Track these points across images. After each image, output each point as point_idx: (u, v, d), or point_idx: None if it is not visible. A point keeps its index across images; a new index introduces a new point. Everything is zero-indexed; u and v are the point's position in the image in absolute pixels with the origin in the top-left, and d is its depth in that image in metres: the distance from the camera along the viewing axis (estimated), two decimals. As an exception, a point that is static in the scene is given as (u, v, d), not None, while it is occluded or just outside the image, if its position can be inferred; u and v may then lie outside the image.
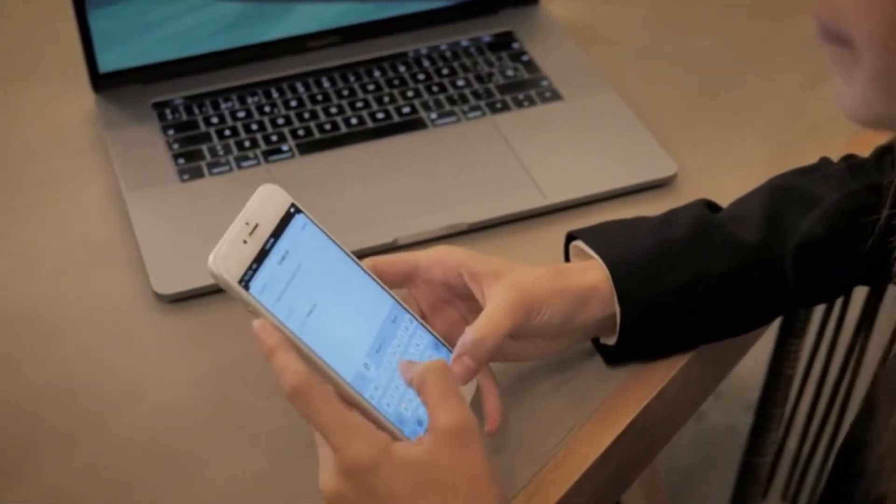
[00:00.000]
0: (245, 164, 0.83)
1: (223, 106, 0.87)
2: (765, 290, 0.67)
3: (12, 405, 0.68)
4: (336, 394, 0.55)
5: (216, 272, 0.53)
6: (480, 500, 0.54)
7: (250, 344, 0.69)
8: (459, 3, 0.94)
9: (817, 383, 0.98)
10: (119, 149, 0.84)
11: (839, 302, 0.93)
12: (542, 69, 0.90)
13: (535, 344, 0.65)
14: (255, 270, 0.54)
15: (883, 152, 0.71)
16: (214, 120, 0.86)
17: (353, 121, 0.86)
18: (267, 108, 0.87)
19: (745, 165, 0.83)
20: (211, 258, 0.53)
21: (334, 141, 0.84)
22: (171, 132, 0.85)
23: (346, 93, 0.88)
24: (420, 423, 0.57)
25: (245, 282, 0.54)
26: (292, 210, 0.57)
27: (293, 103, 0.87)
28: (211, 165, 0.82)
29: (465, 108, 0.87)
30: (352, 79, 0.89)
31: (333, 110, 0.87)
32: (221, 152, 0.83)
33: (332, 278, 0.58)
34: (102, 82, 0.87)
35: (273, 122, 0.86)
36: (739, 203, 0.69)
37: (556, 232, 0.71)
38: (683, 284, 0.64)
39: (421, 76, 0.90)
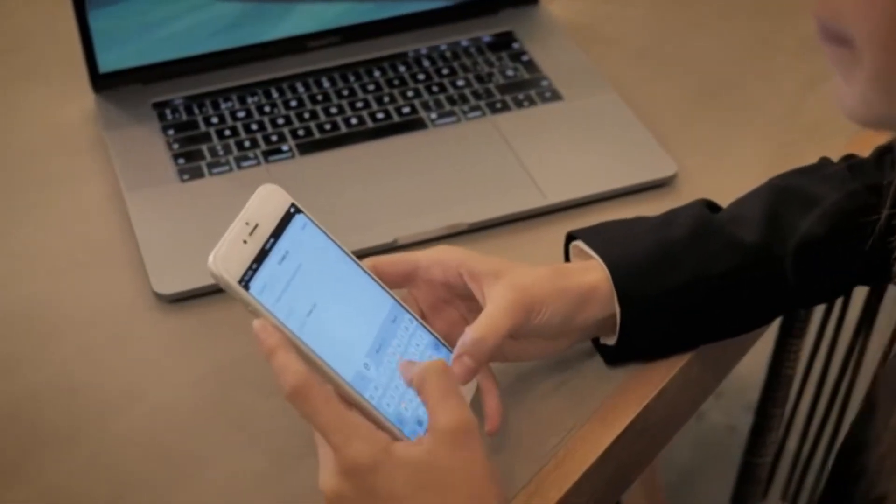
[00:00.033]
0: (245, 164, 0.83)
1: (223, 106, 0.87)
2: (765, 290, 0.67)
3: (12, 405, 0.68)
4: (336, 394, 0.55)
5: (216, 272, 0.53)
6: (480, 500, 0.54)
7: (250, 344, 0.69)
8: (459, 3, 0.94)
9: (817, 383, 0.98)
10: (119, 149, 0.84)
11: (839, 302, 0.93)
12: (542, 69, 0.90)
13: (536, 344, 0.65)
14: (255, 270, 0.54)
15: (883, 152, 0.71)
16: (214, 120, 0.86)
17: (353, 121, 0.86)
18: (267, 108, 0.87)
19: (745, 165, 0.83)
20: (211, 258, 0.53)
21: (334, 141, 0.84)
22: (171, 132, 0.85)
23: (346, 93, 0.88)
24: (420, 423, 0.57)
25: (245, 282, 0.54)
26: (292, 210, 0.57)
27: (293, 103, 0.87)
28: (211, 165, 0.82)
29: (465, 108, 0.87)
30: (352, 79, 0.89)
31: (333, 110, 0.87)
32: (221, 152, 0.83)
33: (333, 278, 0.58)
34: (102, 82, 0.87)
35: (273, 122, 0.86)
36: (739, 203, 0.69)
37: (556, 232, 0.71)
38: (683, 284, 0.64)
39: (421, 76, 0.90)
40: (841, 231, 0.66)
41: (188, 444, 0.65)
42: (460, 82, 0.89)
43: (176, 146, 0.84)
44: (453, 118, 0.86)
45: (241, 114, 0.86)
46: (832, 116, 0.85)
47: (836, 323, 0.94)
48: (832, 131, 0.84)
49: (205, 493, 0.63)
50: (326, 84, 0.89)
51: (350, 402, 0.56)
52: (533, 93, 0.88)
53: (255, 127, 0.85)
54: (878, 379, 0.66)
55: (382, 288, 0.60)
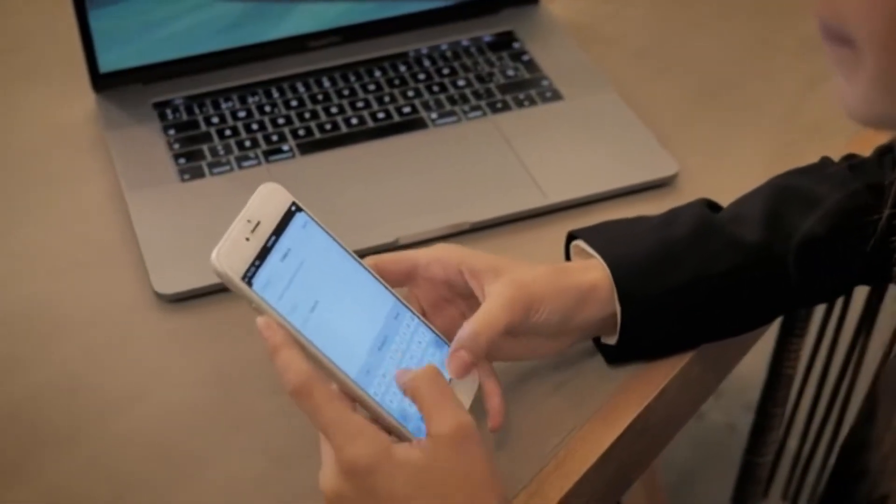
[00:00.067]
0: (246, 163, 0.82)
1: (224, 106, 0.87)
2: (766, 290, 0.67)
3: (12, 405, 0.68)
4: (340, 391, 0.55)
5: (219, 269, 0.53)
6: (480, 501, 0.54)
7: (251, 344, 0.69)
8: (460, 3, 0.94)
9: (818, 383, 0.98)
10: (120, 149, 0.84)
11: (840, 301, 0.93)
12: (542, 69, 0.90)
13: (536, 343, 0.65)
14: (257, 267, 0.54)
15: (883, 152, 0.71)
16: (215, 120, 0.86)
17: (354, 121, 0.86)
18: (267, 108, 0.87)
19: (746, 165, 0.83)
20: (214, 255, 0.53)
21: (335, 141, 0.84)
22: (171, 132, 0.85)
23: (346, 92, 0.88)
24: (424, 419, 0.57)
25: (248, 278, 0.54)
26: (293, 208, 0.57)
27: (294, 103, 0.87)
28: (212, 165, 0.82)
29: (466, 107, 0.87)
30: (352, 78, 0.89)
31: (334, 110, 0.87)
32: (222, 152, 0.83)
33: (334, 276, 0.58)
34: (103, 82, 0.87)
35: (274, 122, 0.86)
36: (740, 202, 0.69)
37: (556, 232, 0.71)
38: (684, 284, 0.64)
39: (421, 76, 0.90)
40: (842, 230, 0.66)
41: (189, 445, 0.65)
42: (461, 82, 0.89)
43: (177, 146, 0.84)
44: (454, 118, 0.86)
45: (242, 113, 0.86)
46: (832, 116, 0.85)
47: (837, 322, 0.94)
48: (832, 131, 0.84)
49: (205, 494, 0.63)
50: (327, 84, 0.89)
51: (354, 398, 0.56)
52: (533, 92, 0.88)
53: (255, 127, 0.85)
54: (879, 379, 0.66)
55: (384, 286, 0.60)
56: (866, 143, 0.74)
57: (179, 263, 0.74)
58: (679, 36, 0.96)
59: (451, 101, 0.87)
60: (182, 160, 0.83)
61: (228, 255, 0.53)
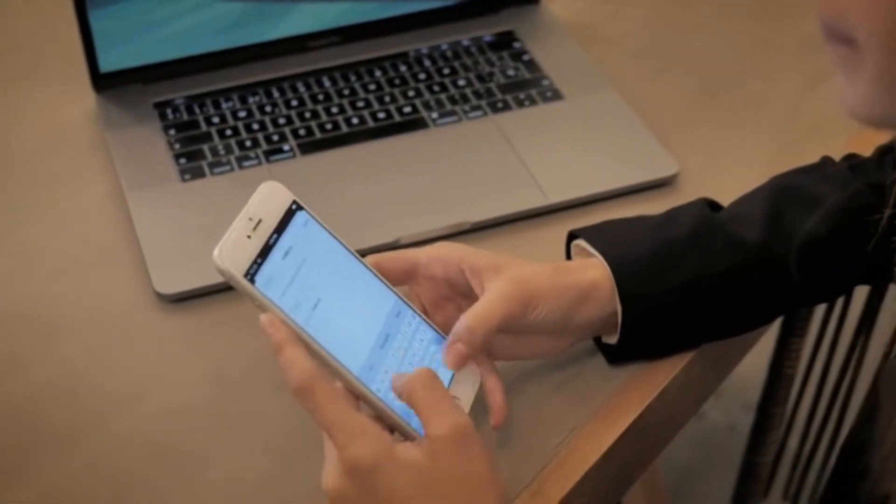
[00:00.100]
0: (246, 163, 0.82)
1: (224, 106, 0.87)
2: (766, 290, 0.67)
3: (13, 405, 0.68)
4: (343, 388, 0.56)
5: (222, 266, 0.53)
6: (481, 500, 0.54)
7: (252, 344, 0.69)
8: (460, 3, 0.94)
9: (818, 382, 0.98)
10: (120, 149, 0.84)
11: (840, 301, 0.93)
12: (543, 69, 0.90)
13: (537, 342, 0.65)
14: (259, 265, 0.54)
15: (884, 152, 0.72)
16: (215, 120, 0.86)
17: (355, 120, 0.86)
18: (268, 108, 0.87)
19: (747, 165, 0.83)
20: (216, 252, 0.53)
21: (335, 140, 0.84)
22: (172, 132, 0.85)
23: (346, 92, 0.88)
24: None
25: (251, 276, 0.54)
26: (294, 207, 0.57)
27: (294, 103, 0.87)
28: (212, 165, 0.82)
29: (467, 107, 0.87)
30: (353, 78, 0.89)
31: (334, 110, 0.87)
32: (223, 152, 0.83)
33: (336, 274, 0.58)
34: (103, 82, 0.87)
35: (274, 122, 0.86)
36: (741, 202, 0.70)
37: (557, 231, 0.71)
38: (685, 283, 0.64)
39: (422, 76, 0.90)
40: (843, 230, 0.66)
41: (189, 445, 0.65)
42: (461, 82, 0.89)
43: (177, 146, 0.84)
44: (454, 118, 0.86)
45: (243, 113, 0.86)
46: (832, 116, 0.85)
47: (838, 322, 0.94)
48: (832, 131, 0.84)
49: (206, 494, 0.63)
50: (327, 84, 0.89)
51: (357, 395, 0.56)
52: (534, 92, 0.88)
53: (256, 126, 0.85)
54: (880, 379, 0.66)
55: (385, 284, 0.60)
56: (866, 143, 0.74)
57: (180, 263, 0.74)
58: (679, 36, 0.96)
59: (452, 100, 0.87)
60: (183, 160, 0.83)
61: (231, 253, 0.54)
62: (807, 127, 0.86)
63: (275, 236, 0.56)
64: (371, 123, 0.86)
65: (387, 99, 0.88)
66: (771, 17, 0.97)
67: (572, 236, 0.68)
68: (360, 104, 0.87)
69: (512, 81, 0.89)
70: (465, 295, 0.64)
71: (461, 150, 0.84)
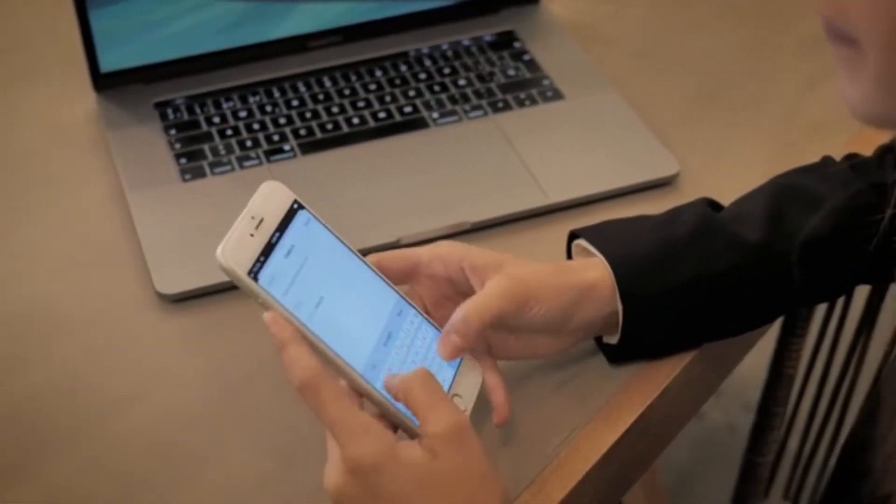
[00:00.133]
0: (247, 163, 0.82)
1: (225, 105, 0.87)
2: (767, 289, 0.67)
3: (13, 405, 0.68)
4: (347, 387, 0.56)
5: (225, 264, 0.53)
6: (482, 497, 0.54)
7: (253, 344, 0.69)
8: (460, 3, 0.94)
9: (819, 382, 0.98)
10: (121, 148, 0.84)
11: (841, 301, 0.93)
12: (543, 68, 0.90)
13: (538, 341, 0.65)
14: (262, 263, 0.54)
15: (885, 151, 0.72)
16: (216, 119, 0.86)
17: (355, 120, 0.86)
18: (268, 108, 0.87)
19: (747, 164, 0.83)
20: (219, 250, 0.53)
21: (336, 140, 0.84)
22: (172, 132, 0.85)
23: (347, 92, 0.88)
24: None
25: (254, 273, 0.54)
26: (295, 206, 0.58)
27: (295, 103, 0.87)
28: (213, 165, 0.82)
29: (467, 107, 0.87)
30: (353, 78, 0.89)
31: (335, 110, 0.87)
32: (223, 152, 0.83)
33: (338, 272, 0.58)
34: (104, 82, 0.87)
35: (275, 122, 0.86)
36: (742, 201, 0.70)
37: (558, 231, 0.71)
38: (686, 282, 0.64)
39: (422, 75, 0.90)
40: (844, 230, 0.66)
41: (190, 445, 0.65)
42: (462, 81, 0.89)
43: (178, 146, 0.84)
44: (455, 117, 0.86)
45: (243, 113, 0.86)
46: (833, 116, 0.85)
47: (838, 322, 0.94)
48: (832, 130, 0.84)
49: (207, 494, 0.63)
50: (328, 83, 0.89)
51: (361, 393, 0.56)
52: (534, 92, 0.88)
53: (256, 126, 0.85)
54: (882, 378, 0.66)
55: (386, 283, 0.61)
56: (867, 143, 0.74)
57: (181, 263, 0.74)
58: (679, 36, 0.96)
59: (452, 100, 0.87)
60: (183, 160, 0.83)
61: (234, 251, 0.54)
62: (807, 126, 0.86)
63: (277, 235, 0.56)
64: (371, 123, 0.86)
65: (387, 99, 0.88)
66: (771, 17, 0.97)
67: (573, 236, 0.68)
68: (361, 104, 0.87)
69: (512, 81, 0.89)
70: (465, 294, 0.64)
71: (462, 149, 0.84)
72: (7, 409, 0.68)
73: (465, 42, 0.93)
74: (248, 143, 0.84)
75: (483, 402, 0.61)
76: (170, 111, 0.87)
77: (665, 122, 0.86)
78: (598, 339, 0.68)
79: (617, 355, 0.67)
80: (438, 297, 0.64)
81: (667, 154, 0.82)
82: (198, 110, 0.87)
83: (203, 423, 0.66)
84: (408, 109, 0.87)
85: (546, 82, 0.89)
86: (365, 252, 0.61)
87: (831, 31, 0.45)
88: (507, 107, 0.87)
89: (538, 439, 0.64)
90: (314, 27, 0.91)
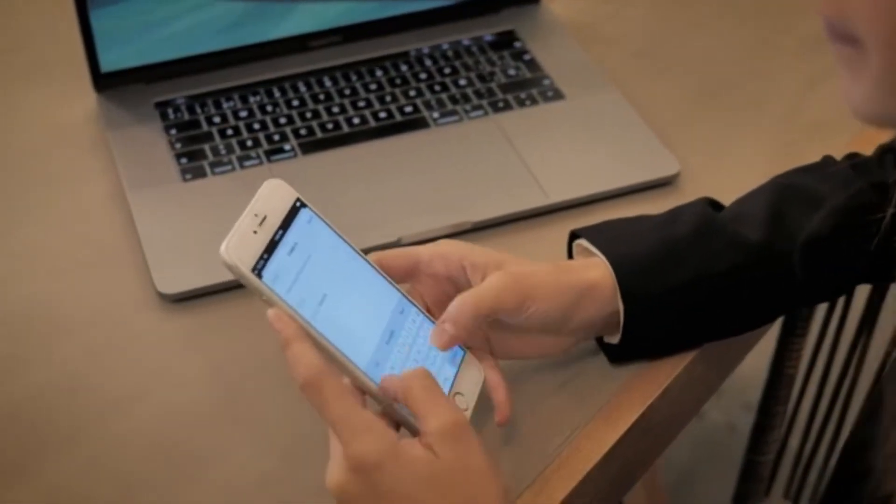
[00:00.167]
0: (247, 163, 0.82)
1: (225, 105, 0.87)
2: (768, 289, 0.67)
3: (13, 405, 0.68)
4: (350, 385, 0.56)
5: (229, 261, 0.53)
6: (483, 493, 0.54)
7: (254, 343, 0.69)
8: (461, 3, 0.94)
9: (819, 382, 0.98)
10: (121, 148, 0.84)
11: (841, 300, 0.93)
12: (543, 68, 0.90)
13: (538, 340, 0.65)
14: (266, 260, 0.55)
15: (885, 151, 0.72)
16: (216, 119, 0.86)
17: (356, 120, 0.86)
18: (269, 108, 0.87)
19: (748, 164, 0.83)
20: (223, 247, 0.54)
21: (336, 140, 0.84)
22: (173, 132, 0.85)
23: (347, 92, 0.88)
24: None
25: (257, 271, 0.54)
26: (298, 204, 0.58)
27: (295, 103, 0.87)
28: (213, 165, 0.82)
29: (468, 107, 0.87)
30: (353, 78, 0.89)
31: (335, 109, 0.87)
32: (224, 152, 0.83)
33: (341, 270, 0.58)
34: (104, 82, 0.87)
35: (275, 122, 0.86)
36: (743, 201, 0.70)
37: (558, 231, 0.71)
38: (686, 282, 0.64)
39: (423, 75, 0.90)
40: (845, 229, 0.66)
41: (191, 445, 0.65)
42: (462, 81, 0.89)
43: (178, 146, 0.84)
44: (455, 117, 0.86)
45: (244, 113, 0.86)
46: (833, 115, 0.85)
47: (839, 321, 0.94)
48: (833, 130, 0.84)
49: (208, 494, 0.63)
50: (328, 83, 0.89)
51: (364, 390, 0.56)
52: (535, 92, 0.88)
53: (257, 126, 0.85)
54: (883, 378, 0.66)
55: (388, 281, 0.61)
56: (867, 143, 0.74)
57: (182, 263, 0.74)
58: (680, 36, 0.96)
59: (453, 100, 0.87)
60: (184, 160, 0.83)
61: (238, 248, 0.54)
62: (807, 126, 0.86)
63: (280, 232, 0.56)
64: (372, 123, 0.86)
65: (388, 98, 0.88)
66: (771, 16, 0.97)
67: (574, 236, 0.68)
68: (361, 104, 0.87)
69: (513, 81, 0.89)
70: (466, 293, 0.64)
71: (462, 149, 0.84)
72: (7, 409, 0.68)
73: (466, 42, 0.93)
74: (249, 143, 0.84)
75: (484, 402, 0.61)
76: (170, 111, 0.87)
77: (666, 121, 0.86)
78: (599, 339, 0.68)
79: (618, 355, 0.67)
80: (439, 295, 0.64)
81: (667, 154, 0.82)
82: (198, 110, 0.87)
83: (204, 423, 0.66)
84: (408, 109, 0.87)
85: (546, 82, 0.89)
86: (366, 251, 0.61)
87: (833, 31, 0.45)
88: (507, 107, 0.87)
89: (539, 439, 0.64)
90: (314, 27, 0.91)
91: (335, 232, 0.59)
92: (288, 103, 0.87)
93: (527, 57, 0.91)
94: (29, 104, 0.90)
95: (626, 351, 0.66)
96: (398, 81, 0.89)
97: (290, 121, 0.86)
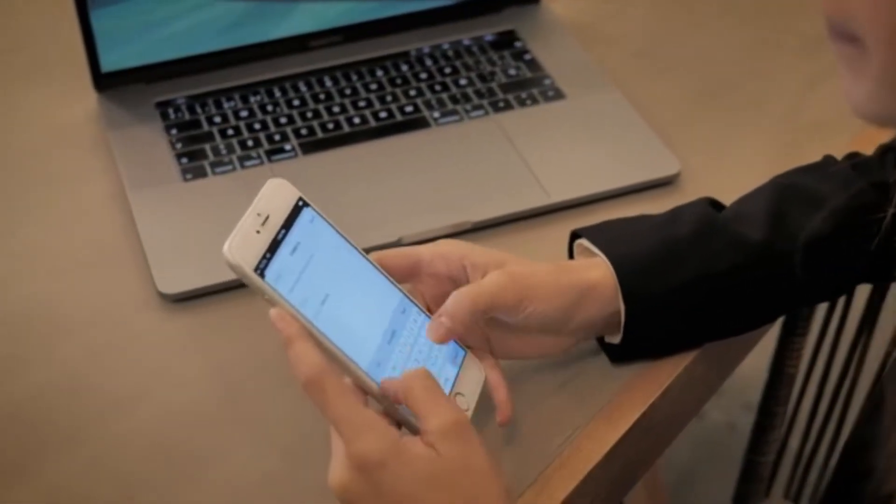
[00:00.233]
0: (248, 163, 0.82)
1: (226, 105, 0.87)
2: (769, 289, 0.67)
3: (14, 405, 0.68)
4: (352, 383, 0.56)
5: (232, 261, 0.53)
6: (484, 491, 0.54)
7: (255, 343, 0.69)
8: (462, 2, 0.94)
9: (820, 381, 0.98)
10: (122, 148, 0.84)
11: (842, 300, 0.93)
12: (544, 68, 0.90)
13: (539, 340, 0.65)
14: (268, 260, 0.55)
15: (885, 150, 0.72)
16: (217, 119, 0.86)
17: (356, 120, 0.86)
18: (269, 108, 0.87)
19: (749, 164, 0.83)
20: (226, 246, 0.54)
21: (337, 140, 0.84)
22: (174, 131, 0.85)
23: (348, 92, 0.88)
24: None
25: (260, 270, 0.54)
26: (300, 203, 0.58)
27: (296, 102, 0.87)
28: (214, 165, 0.82)
29: (468, 106, 0.87)
30: (354, 78, 0.89)
31: (336, 109, 0.87)
32: (224, 152, 0.83)
33: (343, 270, 0.58)
34: (105, 82, 0.87)
35: (276, 122, 0.86)
36: (743, 201, 0.70)
37: (559, 231, 0.71)
38: (687, 282, 0.64)
39: (423, 75, 0.90)
40: (846, 229, 0.66)
41: (192, 445, 0.65)
42: (463, 81, 0.89)
43: (179, 145, 0.84)
44: (456, 117, 0.86)
45: (244, 113, 0.86)
46: (834, 115, 0.85)
47: (839, 321, 0.94)
48: (833, 130, 0.84)
49: (209, 494, 0.63)
50: (329, 83, 0.89)
51: (366, 390, 0.56)
52: (536, 91, 0.88)
53: (257, 126, 0.85)
54: (883, 377, 0.66)
55: (390, 281, 0.61)
56: (868, 142, 0.74)
57: (183, 263, 0.74)
58: (680, 35, 0.96)
59: (454, 100, 0.87)
60: (184, 160, 0.83)
61: (240, 248, 0.54)
62: (808, 126, 0.86)
63: (283, 232, 0.56)
64: (373, 123, 0.86)
65: (388, 98, 0.88)
66: (772, 16, 0.97)
67: (575, 236, 0.68)
68: (362, 104, 0.87)
69: (513, 81, 0.89)
70: (467, 293, 0.64)
71: (463, 149, 0.84)
72: (7, 409, 0.68)
73: (466, 42, 0.93)
74: (250, 143, 0.84)
75: (485, 402, 0.61)
76: (171, 111, 0.87)
77: (666, 121, 0.86)
78: (600, 339, 0.68)
79: (619, 355, 0.67)
80: (440, 295, 0.64)
81: (668, 154, 0.82)
82: (199, 110, 0.87)
83: (205, 423, 0.66)
84: (409, 109, 0.87)
85: (547, 82, 0.89)
86: (367, 251, 0.61)
87: (834, 30, 0.45)
88: (508, 106, 0.87)
89: (540, 438, 0.64)
90: (315, 27, 0.91)
91: (337, 231, 0.59)
92: (288, 103, 0.87)
93: (527, 57, 0.91)
94: (29, 104, 0.90)
95: (628, 351, 0.66)
96: (399, 81, 0.89)
97: (291, 120, 0.86)
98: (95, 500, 0.63)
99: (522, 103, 0.87)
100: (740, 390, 1.45)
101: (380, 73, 0.90)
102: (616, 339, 0.66)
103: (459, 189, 0.80)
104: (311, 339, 0.54)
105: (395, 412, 0.56)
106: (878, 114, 0.46)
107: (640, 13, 0.98)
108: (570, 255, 0.70)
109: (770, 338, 0.87)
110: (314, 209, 0.58)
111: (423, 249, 0.63)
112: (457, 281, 0.63)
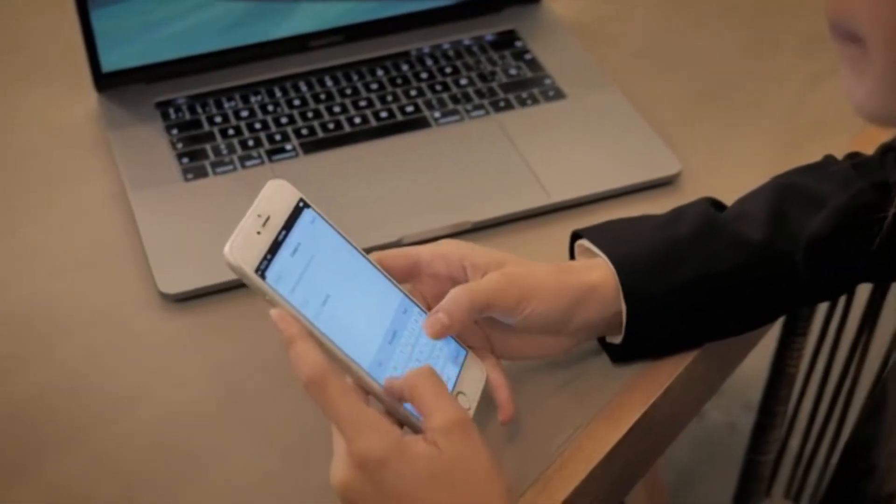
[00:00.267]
0: (249, 163, 0.82)
1: (226, 105, 0.87)
2: (769, 288, 0.67)
3: (14, 405, 0.68)
4: (354, 383, 0.56)
5: (233, 262, 0.53)
6: (486, 492, 0.54)
7: (255, 343, 0.69)
8: (462, 2, 0.94)
9: (820, 381, 0.98)
10: (123, 148, 0.84)
11: (842, 299, 0.93)
12: (545, 68, 0.90)
13: (540, 341, 0.65)
14: (269, 261, 0.55)
15: (886, 150, 0.72)
16: (218, 119, 0.86)
17: (357, 120, 0.86)
18: (270, 108, 0.87)
19: (749, 164, 0.83)
20: (227, 248, 0.54)
21: (338, 140, 0.84)
22: (174, 131, 0.85)
23: (349, 92, 0.88)
24: None
25: (261, 271, 0.54)
26: (301, 204, 0.58)
27: (296, 102, 0.87)
28: (215, 165, 0.82)
29: (469, 106, 0.87)
30: (355, 78, 0.89)
31: (337, 109, 0.87)
32: (225, 151, 0.83)
33: (344, 271, 0.58)
34: (105, 82, 0.87)
35: (276, 122, 0.86)
36: (744, 201, 0.70)
37: (560, 231, 0.71)
38: (689, 282, 0.64)
39: (424, 75, 0.90)
40: (847, 229, 0.66)
41: (192, 444, 0.65)
42: (463, 81, 0.89)
43: (179, 145, 0.84)
44: (457, 117, 0.86)
45: (245, 113, 0.86)
46: (834, 115, 0.85)
47: (840, 320, 0.94)
48: (834, 130, 0.84)
49: (210, 494, 0.63)
50: (329, 83, 0.89)
51: (367, 390, 0.56)
52: (536, 91, 0.88)
53: (258, 126, 0.85)
54: (886, 376, 0.66)
55: (391, 281, 0.61)
56: (868, 142, 0.74)
57: (184, 263, 0.74)
58: (681, 35, 0.96)
59: (454, 100, 0.87)
60: (185, 160, 0.83)
61: (241, 249, 0.54)
62: (808, 126, 0.86)
63: (283, 233, 0.56)
64: (373, 123, 0.86)
65: (389, 98, 0.88)
66: (772, 16, 0.97)
67: (576, 236, 0.68)
68: (363, 103, 0.87)
69: (514, 80, 0.89)
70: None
71: (463, 149, 0.84)
72: (7, 409, 0.68)
73: (467, 41, 0.93)
74: (250, 143, 0.84)
75: (487, 402, 0.61)
76: (171, 111, 0.87)
77: (667, 121, 0.86)
78: (602, 339, 0.68)
79: (620, 355, 0.67)
80: (440, 295, 0.64)
81: (669, 153, 0.82)
82: (199, 110, 0.87)
83: (205, 423, 0.66)
84: (409, 109, 0.87)
85: (548, 82, 0.89)
86: (367, 251, 0.61)
87: (836, 30, 0.45)
88: (508, 106, 0.87)
89: (541, 438, 0.64)
90: (315, 27, 0.91)
91: (338, 232, 0.59)
92: (289, 103, 0.87)
93: (528, 56, 0.91)
94: (29, 104, 0.90)
95: (629, 351, 0.66)
96: (399, 81, 0.89)
97: (292, 120, 0.86)
98: (95, 500, 0.63)
99: (523, 103, 0.87)
100: (740, 390, 1.45)
101: (380, 72, 0.90)
102: (617, 339, 0.66)
103: (460, 189, 0.80)
104: (312, 339, 0.54)
105: (397, 412, 0.56)
106: (880, 113, 0.46)
107: (640, 13, 0.98)
108: (571, 256, 0.70)
109: (770, 338, 0.87)
110: (315, 210, 0.58)
111: (423, 249, 0.63)
112: (457, 281, 0.63)
